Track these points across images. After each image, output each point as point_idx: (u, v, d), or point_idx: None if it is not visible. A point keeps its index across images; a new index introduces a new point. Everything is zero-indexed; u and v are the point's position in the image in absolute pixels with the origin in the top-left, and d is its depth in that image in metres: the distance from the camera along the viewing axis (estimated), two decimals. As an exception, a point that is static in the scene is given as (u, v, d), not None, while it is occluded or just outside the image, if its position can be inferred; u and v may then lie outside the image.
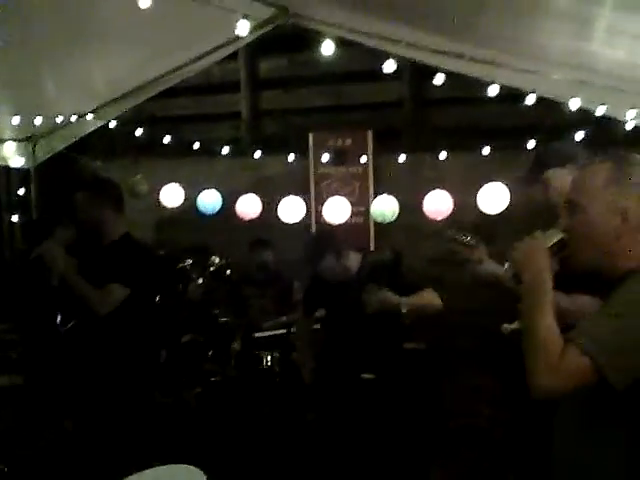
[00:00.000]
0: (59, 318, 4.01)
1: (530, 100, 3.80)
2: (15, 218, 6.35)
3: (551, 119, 4.38)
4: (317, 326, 3.94)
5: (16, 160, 5.66)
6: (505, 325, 1.88)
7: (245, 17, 3.21)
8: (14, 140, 5.51)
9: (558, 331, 1.59)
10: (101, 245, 3.43)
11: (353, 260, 3.49)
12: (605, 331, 1.54)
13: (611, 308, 1.58)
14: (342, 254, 3.41)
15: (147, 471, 2.04)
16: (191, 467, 2.05)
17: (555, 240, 1.71)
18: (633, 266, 1.63)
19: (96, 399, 3.39)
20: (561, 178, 2.79)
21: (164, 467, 2.09)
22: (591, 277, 1.77)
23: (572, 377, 1.54)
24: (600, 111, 3.74)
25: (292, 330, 4.37)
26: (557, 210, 2.68)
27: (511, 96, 3.94)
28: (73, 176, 6.34)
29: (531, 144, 4.55)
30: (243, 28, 3.23)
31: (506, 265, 1.80)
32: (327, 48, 3.48)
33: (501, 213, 4.26)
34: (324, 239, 3.64)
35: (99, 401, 3.39)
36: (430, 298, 3.38)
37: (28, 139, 5.57)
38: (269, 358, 4.35)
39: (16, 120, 4.81)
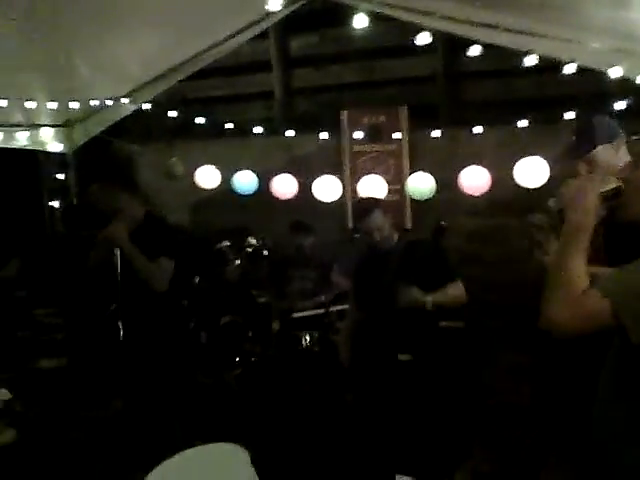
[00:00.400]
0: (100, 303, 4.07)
1: (568, 70, 3.70)
2: (55, 203, 6.46)
3: (591, 89, 4.27)
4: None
5: (54, 145, 5.74)
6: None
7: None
8: (51, 126, 5.58)
9: (585, 271, 1.59)
10: (133, 229, 3.49)
11: (392, 234, 3.57)
12: (629, 279, 1.54)
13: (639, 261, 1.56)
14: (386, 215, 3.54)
15: (190, 450, 2.06)
16: (234, 445, 2.06)
17: (611, 187, 1.70)
18: None
19: (140, 380, 3.46)
20: (609, 155, 2.71)
21: (207, 445, 2.11)
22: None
23: (588, 316, 1.53)
24: (642, 79, 3.63)
25: (330, 309, 4.38)
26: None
27: (548, 67, 3.84)
28: (110, 160, 6.42)
29: (569, 116, 4.44)
30: (275, 3, 3.20)
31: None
32: (359, 23, 3.43)
33: (540, 187, 4.17)
34: (370, 200, 3.79)
35: (143, 382, 3.45)
36: (456, 294, 3.47)
37: (65, 124, 5.64)
38: (308, 338, 4.37)
39: (52, 105, 4.86)
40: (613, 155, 2.73)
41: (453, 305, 3.48)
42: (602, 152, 2.74)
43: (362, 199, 4.13)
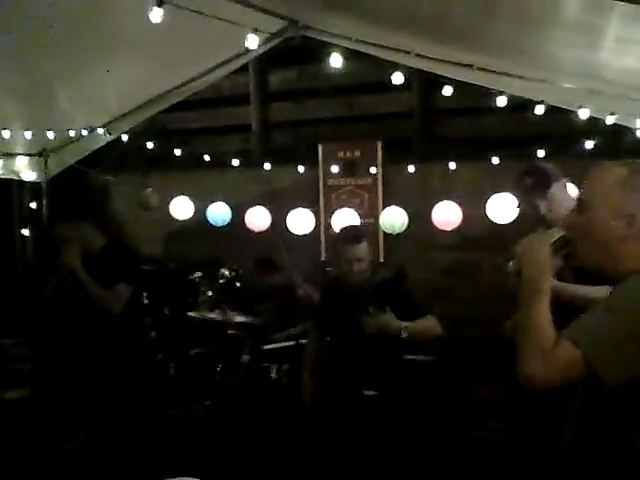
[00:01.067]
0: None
1: (539, 110, 3.79)
2: (26, 232, 6.39)
3: (560, 129, 4.38)
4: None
5: (28, 174, 5.70)
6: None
7: (255, 31, 3.23)
8: (26, 154, 5.55)
9: (552, 322, 1.59)
10: (88, 259, 3.58)
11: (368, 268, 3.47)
12: (599, 327, 1.54)
13: (608, 305, 1.58)
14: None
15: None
16: (197, 480, 2.04)
17: (557, 237, 1.72)
18: (636, 267, 1.62)
19: (106, 412, 3.42)
20: (563, 193, 3.08)
21: (172, 480, 2.08)
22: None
23: (563, 368, 1.53)
24: (610, 120, 3.72)
25: (300, 342, 4.35)
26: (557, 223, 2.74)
27: (520, 106, 3.94)
28: (84, 190, 6.39)
29: (540, 153, 4.54)
30: (253, 42, 3.24)
31: (511, 263, 1.81)
32: (336, 60, 3.50)
33: (511, 223, 4.24)
34: (360, 229, 3.79)
35: (109, 414, 3.41)
36: (431, 326, 3.37)
37: (40, 153, 5.61)
38: (277, 370, 4.33)
39: (28, 135, 4.84)
40: (565, 193, 3.08)
41: (428, 337, 3.39)
42: (557, 190, 3.06)
43: (351, 227, 3.98)
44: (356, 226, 4.17)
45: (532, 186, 3.13)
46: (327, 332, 3.68)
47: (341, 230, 3.66)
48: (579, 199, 1.74)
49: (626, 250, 1.64)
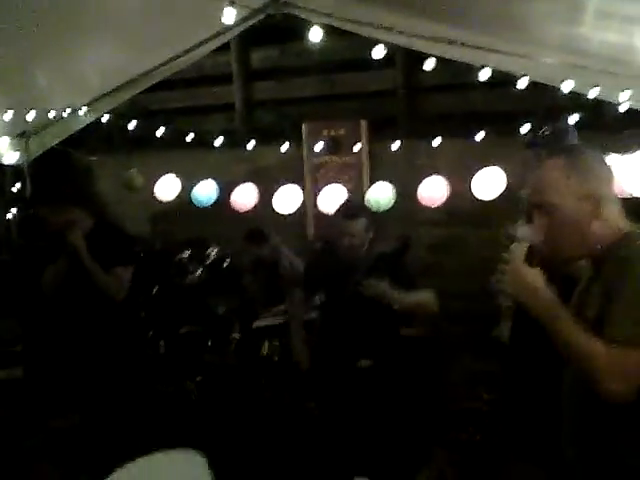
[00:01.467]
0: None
1: (522, 84, 3.80)
2: (10, 215, 6.34)
3: (543, 103, 4.39)
4: (313, 314, 3.97)
5: (9, 156, 5.64)
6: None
7: (231, 4, 3.17)
8: (7, 136, 5.48)
9: (585, 330, 1.59)
10: None
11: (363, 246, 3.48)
12: None
13: (627, 282, 1.58)
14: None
15: (146, 457, 2.05)
16: (192, 451, 2.05)
17: (525, 251, 1.73)
18: (614, 231, 1.67)
19: (98, 390, 3.43)
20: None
21: (165, 452, 2.09)
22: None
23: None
24: (593, 94, 3.74)
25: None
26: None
27: (504, 81, 3.95)
28: (66, 171, 6.33)
29: (525, 128, 4.56)
30: (229, 16, 3.20)
31: (492, 280, 1.83)
32: (318, 37, 3.47)
33: (496, 198, 4.27)
34: (360, 205, 3.82)
35: (101, 392, 3.42)
36: (428, 301, 3.40)
37: (21, 135, 5.55)
38: (267, 346, 4.37)
39: (8, 116, 4.79)
40: None
41: (424, 311, 3.42)
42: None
43: (351, 202, 4.01)
44: (355, 202, 4.16)
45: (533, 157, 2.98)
46: (313, 299, 3.70)
47: (340, 204, 3.67)
48: (539, 204, 1.75)
49: (604, 226, 1.68)
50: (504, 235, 2.89)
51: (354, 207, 3.61)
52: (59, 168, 3.90)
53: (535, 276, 1.69)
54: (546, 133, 3.02)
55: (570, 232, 1.70)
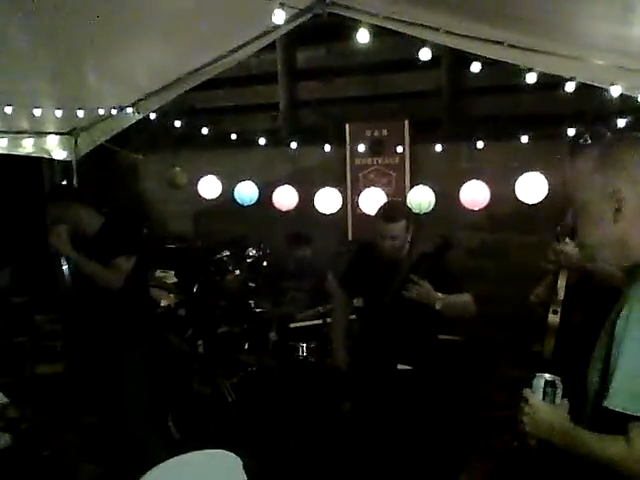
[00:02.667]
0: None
1: (570, 87, 3.72)
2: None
3: (591, 106, 4.29)
4: (353, 316, 3.94)
5: (58, 153, 5.77)
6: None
7: (281, 6, 3.21)
8: (57, 133, 5.61)
9: (606, 442, 1.55)
10: (86, 237, 3.59)
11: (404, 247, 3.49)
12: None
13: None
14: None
15: (182, 455, 2.06)
16: (227, 452, 2.07)
17: (543, 386, 1.73)
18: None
19: (135, 389, 3.48)
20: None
21: (200, 452, 2.11)
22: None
23: None
24: (643, 97, 3.65)
25: (327, 320, 4.37)
26: None
27: (550, 83, 3.87)
28: (114, 168, 6.45)
29: (570, 132, 4.47)
30: (279, 17, 3.22)
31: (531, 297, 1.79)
32: (363, 37, 3.46)
33: (540, 202, 4.19)
34: (401, 207, 3.81)
35: (138, 390, 3.47)
36: (466, 303, 3.39)
37: (70, 132, 5.67)
38: (305, 348, 4.36)
39: (59, 113, 4.89)
40: None
41: (463, 314, 3.41)
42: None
43: (391, 203, 4.03)
44: (395, 204, 4.16)
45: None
46: (355, 300, 3.69)
47: (380, 207, 3.66)
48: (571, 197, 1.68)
49: (623, 233, 1.59)
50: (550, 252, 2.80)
51: (394, 210, 3.59)
52: (105, 165, 3.95)
53: (553, 415, 1.68)
54: (587, 141, 2.96)
55: (596, 234, 1.63)
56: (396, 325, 3.37)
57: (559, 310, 2.86)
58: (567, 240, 2.70)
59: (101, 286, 3.43)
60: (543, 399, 1.72)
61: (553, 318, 2.90)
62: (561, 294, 2.87)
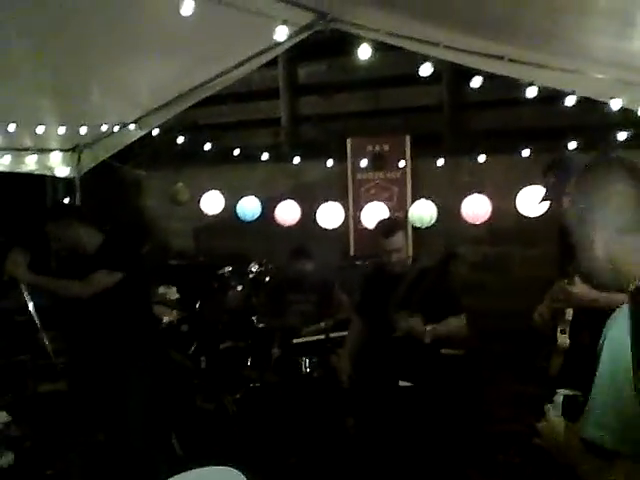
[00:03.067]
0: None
1: (570, 101, 3.73)
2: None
3: (592, 120, 4.31)
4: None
5: (61, 170, 5.79)
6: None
7: (284, 23, 3.24)
8: (60, 150, 5.63)
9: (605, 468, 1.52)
10: (85, 254, 3.60)
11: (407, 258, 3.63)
12: None
13: None
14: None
15: (186, 473, 2.05)
16: (230, 469, 2.06)
17: (562, 402, 1.69)
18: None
19: (137, 405, 3.47)
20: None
21: (204, 469, 2.10)
22: None
23: None
24: (643, 110, 3.65)
25: (330, 336, 4.37)
26: None
27: (551, 97, 3.88)
28: (117, 185, 6.47)
29: (571, 145, 4.47)
30: (281, 34, 3.25)
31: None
32: (365, 52, 3.48)
33: (541, 216, 4.18)
34: (396, 221, 4.00)
35: (140, 407, 3.46)
36: (457, 326, 3.48)
37: (73, 149, 5.69)
38: (308, 363, 4.35)
39: (62, 130, 4.92)
40: None
41: (453, 338, 3.53)
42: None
43: (388, 219, 4.23)
44: (390, 219, 4.32)
45: (555, 181, 3.05)
46: (366, 324, 3.73)
47: (377, 224, 3.76)
48: (578, 207, 1.68)
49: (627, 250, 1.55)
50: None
51: (390, 224, 3.75)
52: (108, 182, 3.99)
53: (569, 433, 1.65)
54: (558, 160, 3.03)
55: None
56: (397, 341, 3.39)
57: (567, 330, 2.86)
58: (577, 279, 2.69)
59: (68, 297, 3.49)
60: (562, 415, 1.70)
61: (563, 339, 2.90)
62: (569, 314, 2.87)
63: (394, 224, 3.74)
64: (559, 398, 1.72)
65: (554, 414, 1.72)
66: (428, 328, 3.32)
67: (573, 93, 3.70)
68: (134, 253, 3.82)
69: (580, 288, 2.65)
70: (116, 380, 3.52)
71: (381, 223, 3.79)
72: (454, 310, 3.47)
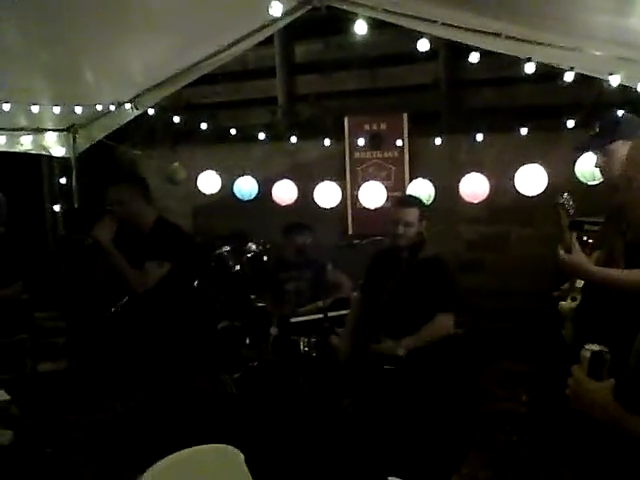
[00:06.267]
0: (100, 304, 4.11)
1: (569, 77, 3.71)
2: (57, 207, 6.48)
3: (590, 97, 4.28)
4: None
5: (57, 150, 5.76)
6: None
7: (279, -1, 3.20)
8: (55, 130, 5.60)
9: None
10: (138, 234, 3.50)
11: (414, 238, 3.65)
12: None
13: None
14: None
15: (184, 450, 2.07)
16: (229, 447, 2.07)
17: (589, 357, 1.67)
18: None
19: (140, 383, 3.48)
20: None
21: (201, 447, 2.12)
22: None
23: None
24: (641, 87, 3.63)
25: (328, 315, 4.38)
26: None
27: (549, 75, 3.86)
28: (112, 165, 6.44)
29: (569, 124, 4.46)
30: (277, 9, 3.22)
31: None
32: (359, 29, 3.46)
33: (540, 194, 4.18)
34: (415, 198, 3.98)
35: (142, 385, 3.47)
36: (438, 329, 3.49)
37: (69, 129, 5.66)
38: (306, 343, 4.36)
39: (57, 110, 4.89)
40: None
41: (434, 339, 3.51)
42: (621, 146, 2.68)
43: (407, 194, 4.41)
44: (411, 195, 4.36)
45: (595, 135, 2.88)
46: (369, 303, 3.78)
47: (396, 198, 3.83)
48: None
49: None
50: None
51: (409, 197, 3.92)
52: (104, 161, 3.90)
53: (599, 391, 1.65)
54: (593, 133, 2.92)
55: None
56: (391, 320, 3.47)
57: (578, 297, 2.86)
58: (576, 247, 2.60)
59: (126, 284, 3.38)
60: (589, 372, 1.68)
61: (570, 304, 2.89)
62: (580, 283, 2.86)
63: (412, 199, 3.87)
64: (586, 353, 1.69)
65: (579, 372, 1.70)
66: (400, 350, 3.40)
67: (571, 70, 3.68)
68: (184, 243, 3.71)
69: (577, 258, 2.54)
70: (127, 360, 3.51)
71: (399, 196, 3.98)
72: (444, 307, 3.48)
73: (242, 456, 2.01)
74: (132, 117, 5.48)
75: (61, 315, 5.42)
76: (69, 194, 6.26)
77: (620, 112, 3.03)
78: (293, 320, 4.64)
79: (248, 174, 5.52)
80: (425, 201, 4.65)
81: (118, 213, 3.47)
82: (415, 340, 3.43)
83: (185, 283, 3.65)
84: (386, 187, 5.02)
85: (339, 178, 5.72)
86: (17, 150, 5.44)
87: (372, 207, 4.92)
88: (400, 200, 3.80)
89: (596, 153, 2.88)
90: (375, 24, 3.66)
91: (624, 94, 3.77)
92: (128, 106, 5.23)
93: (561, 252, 2.48)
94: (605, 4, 2.90)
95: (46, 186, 7.10)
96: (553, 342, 2.99)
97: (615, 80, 3.55)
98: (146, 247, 3.42)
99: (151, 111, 5.34)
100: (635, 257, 2.32)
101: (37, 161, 6.66)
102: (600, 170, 2.87)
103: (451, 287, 3.61)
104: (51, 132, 5.57)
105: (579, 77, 3.72)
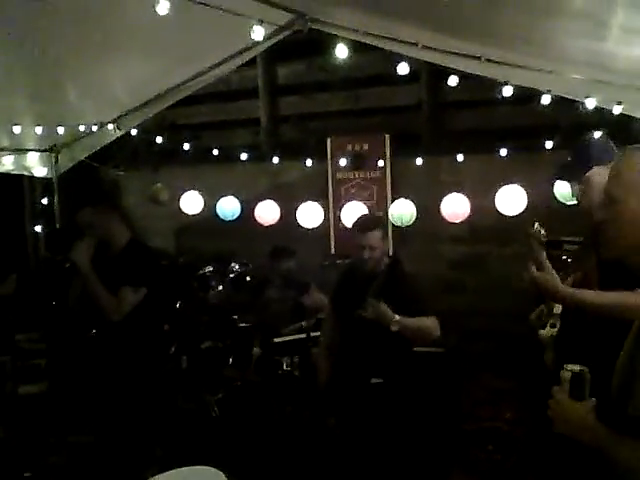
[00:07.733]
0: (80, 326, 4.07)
1: (546, 100, 3.78)
2: (38, 228, 6.44)
3: (568, 119, 4.36)
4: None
5: (39, 170, 5.74)
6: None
7: (260, 22, 3.24)
8: (37, 150, 5.58)
9: (628, 442, 1.53)
10: (110, 255, 3.47)
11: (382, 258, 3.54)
12: None
13: None
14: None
15: (169, 472, 2.06)
16: (212, 468, 2.07)
17: (570, 379, 1.66)
18: None
19: (119, 404, 3.44)
20: (604, 177, 2.70)
21: (185, 468, 2.11)
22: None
23: None
24: (617, 110, 3.70)
25: (311, 335, 4.38)
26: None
27: (528, 97, 3.93)
28: (94, 186, 6.42)
29: (548, 145, 4.53)
30: (259, 33, 3.25)
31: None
32: (343, 52, 3.50)
33: (520, 214, 4.23)
34: (375, 218, 4.01)
35: (122, 406, 3.43)
36: (428, 326, 3.37)
37: (51, 149, 5.64)
38: (288, 363, 4.36)
39: (39, 130, 4.88)
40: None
41: (424, 336, 3.41)
42: (597, 173, 2.65)
43: (367, 215, 4.25)
44: (370, 215, 4.30)
45: (567, 164, 2.85)
46: (340, 320, 3.71)
47: (356, 219, 3.73)
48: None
49: None
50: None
51: (368, 220, 3.71)
52: (93, 180, 3.83)
53: (581, 411, 1.64)
54: (565, 163, 2.93)
55: (622, 232, 1.64)
56: (369, 339, 3.38)
57: (557, 324, 2.84)
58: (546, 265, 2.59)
59: (102, 310, 3.28)
60: (571, 393, 1.66)
61: (550, 332, 2.88)
62: (558, 308, 2.86)
63: (372, 220, 3.71)
64: (567, 375, 1.68)
65: (561, 393, 1.68)
66: (397, 318, 3.23)
67: (548, 92, 3.75)
68: (156, 267, 3.64)
69: (549, 276, 2.44)
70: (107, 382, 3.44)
71: (360, 219, 3.73)
72: (421, 312, 3.38)
73: (225, 478, 2.00)
74: (115, 137, 5.48)
75: (42, 337, 5.36)
76: (51, 214, 6.23)
77: (596, 134, 3.06)
78: (276, 340, 4.64)
79: (231, 194, 5.53)
80: (407, 221, 4.70)
81: (89, 234, 3.42)
82: (408, 322, 3.27)
83: (161, 306, 3.57)
84: (368, 207, 5.08)
85: (322, 198, 5.75)
86: (-1, 170, 5.42)
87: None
88: (360, 225, 3.56)
89: (572, 184, 2.86)
90: (357, 46, 3.71)
91: (600, 115, 3.84)
92: (111, 127, 5.23)
93: (532, 268, 2.47)
94: (581, 28, 2.96)
95: (28, 206, 7.05)
96: (534, 364, 2.99)
97: (591, 103, 3.62)
98: (116, 269, 3.34)
99: (134, 131, 5.34)
100: (609, 276, 2.32)
101: (19, 181, 6.62)
102: (577, 198, 2.83)
103: (416, 295, 3.50)
104: (33, 152, 5.55)
105: (557, 99, 3.79)
